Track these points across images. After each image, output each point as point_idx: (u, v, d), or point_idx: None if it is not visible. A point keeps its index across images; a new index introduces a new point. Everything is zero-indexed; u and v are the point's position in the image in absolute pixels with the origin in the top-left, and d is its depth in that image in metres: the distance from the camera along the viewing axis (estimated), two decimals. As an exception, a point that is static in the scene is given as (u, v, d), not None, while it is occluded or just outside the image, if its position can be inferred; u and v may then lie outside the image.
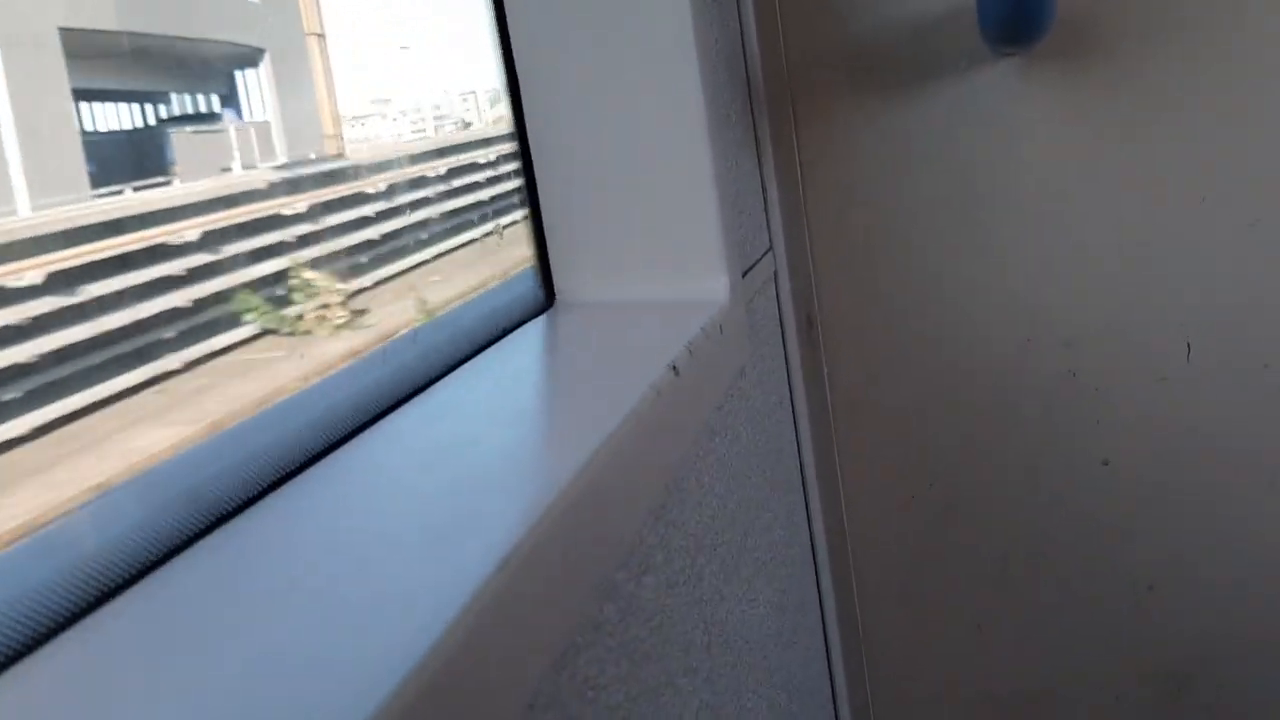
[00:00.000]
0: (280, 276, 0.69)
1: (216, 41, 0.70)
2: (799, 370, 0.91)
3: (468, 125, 0.98)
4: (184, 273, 0.62)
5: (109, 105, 0.62)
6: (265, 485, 0.44)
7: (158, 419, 0.57)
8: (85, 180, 0.56)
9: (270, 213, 0.69)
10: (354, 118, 0.82)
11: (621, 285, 0.72)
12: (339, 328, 0.72)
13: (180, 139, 0.67)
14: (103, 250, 0.56)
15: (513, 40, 0.71)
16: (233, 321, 0.65)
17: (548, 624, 0.37)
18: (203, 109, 0.71)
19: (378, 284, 0.81)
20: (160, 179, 0.64)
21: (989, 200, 0.86)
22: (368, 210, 0.81)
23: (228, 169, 0.69)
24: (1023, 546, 0.93)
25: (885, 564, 0.98)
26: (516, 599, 0.34)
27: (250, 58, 0.73)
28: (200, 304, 0.63)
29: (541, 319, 0.71)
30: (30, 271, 0.52)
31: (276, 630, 0.31)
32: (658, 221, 0.70)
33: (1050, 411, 0.89)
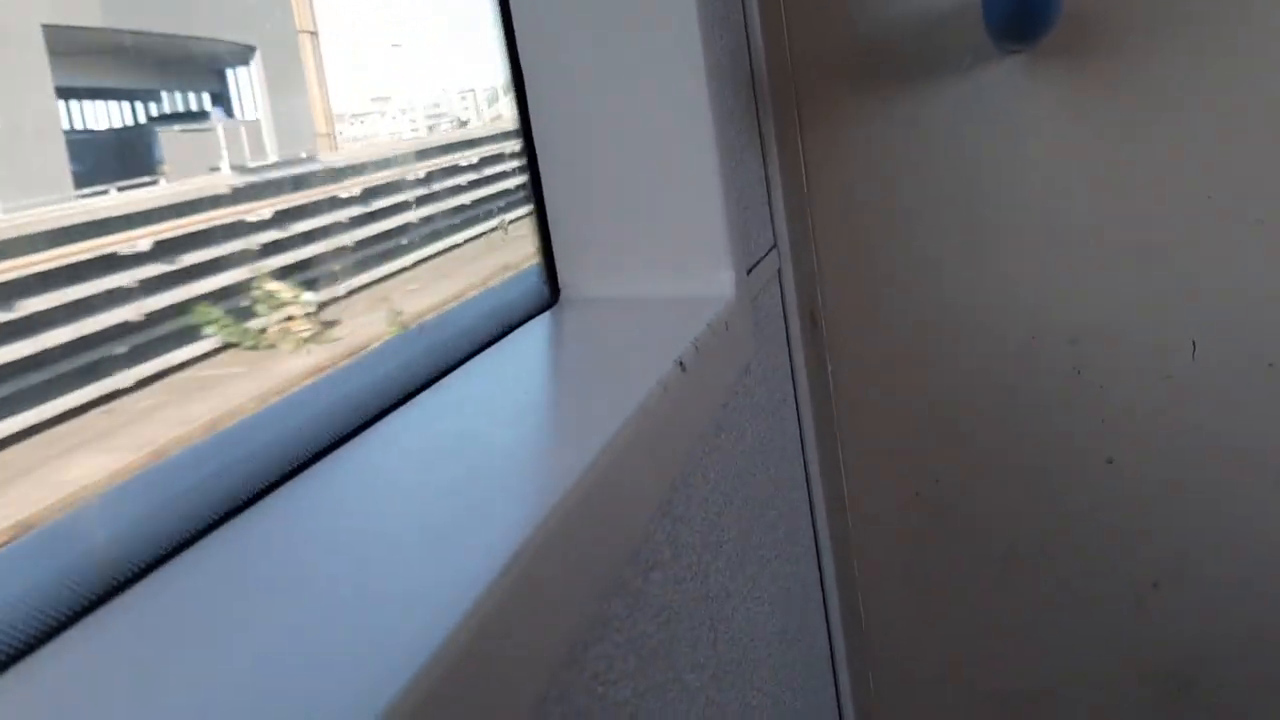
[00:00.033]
0: (241, 288, 0.66)
1: (206, 39, 0.70)
2: (803, 367, 0.91)
3: (464, 124, 0.97)
4: (135, 284, 0.59)
5: (98, 103, 0.62)
6: (269, 482, 0.44)
7: (97, 445, 0.53)
8: (69, 180, 0.56)
9: (235, 219, 0.67)
10: (354, 115, 0.82)
11: (626, 282, 0.72)
12: (305, 341, 0.70)
13: (168, 138, 0.67)
14: (54, 260, 0.54)
15: (518, 36, 0.71)
16: (194, 335, 0.62)
17: (558, 620, 0.36)
18: (194, 107, 0.70)
19: (351, 293, 0.78)
20: (148, 179, 0.63)
21: (994, 198, 0.86)
22: (341, 216, 0.79)
23: (216, 168, 0.68)
24: (1026, 544, 0.93)
25: (888, 561, 0.98)
26: (528, 593, 0.33)
27: (241, 55, 0.72)
28: (154, 317, 0.60)
29: (546, 316, 0.71)
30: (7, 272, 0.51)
31: (288, 626, 0.31)
32: (662, 218, 0.70)
33: (1054, 409, 0.89)
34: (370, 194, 0.84)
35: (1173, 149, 0.81)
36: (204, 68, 0.70)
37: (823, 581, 0.96)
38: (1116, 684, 0.93)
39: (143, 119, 0.66)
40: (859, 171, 0.89)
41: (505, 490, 0.40)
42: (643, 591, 0.48)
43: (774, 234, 0.88)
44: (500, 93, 0.76)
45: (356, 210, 0.81)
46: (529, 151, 0.73)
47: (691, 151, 0.68)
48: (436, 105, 0.94)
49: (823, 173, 0.90)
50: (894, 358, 0.93)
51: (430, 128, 0.94)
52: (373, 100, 0.85)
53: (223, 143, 0.70)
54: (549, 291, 0.74)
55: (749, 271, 0.75)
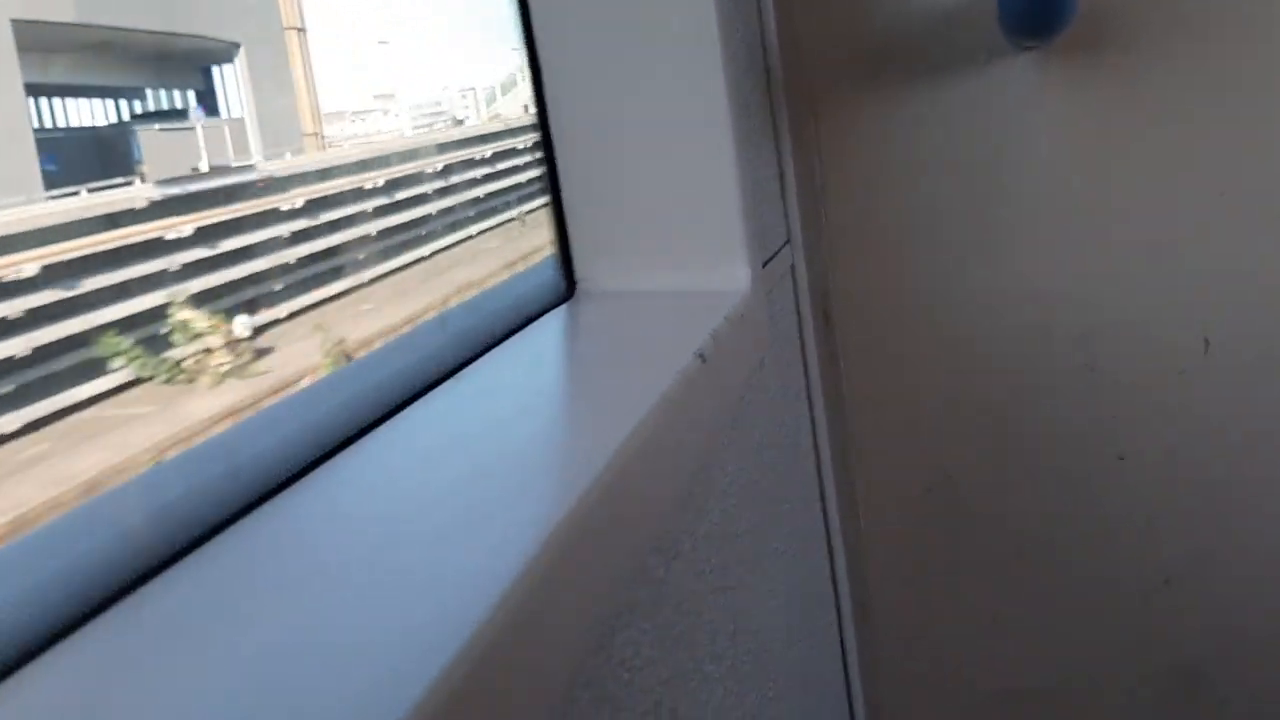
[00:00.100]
0: (157, 314, 0.63)
1: (189, 35, 0.70)
2: (816, 363, 0.91)
3: (460, 122, 0.97)
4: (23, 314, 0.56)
5: (80, 101, 0.61)
6: (291, 474, 0.44)
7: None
8: (38, 181, 0.55)
9: (155, 235, 0.64)
10: (355, 113, 0.82)
11: (642, 275, 0.72)
12: (225, 375, 0.67)
13: (148, 137, 0.66)
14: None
15: (536, 30, 0.71)
16: (101, 368, 0.60)
17: (586, 606, 0.37)
18: (178, 105, 0.70)
19: (293, 315, 0.74)
20: (124, 179, 0.62)
21: (1007, 193, 0.86)
22: (283, 230, 0.77)
23: (197, 168, 0.68)
24: (1037, 539, 0.93)
25: (900, 556, 0.98)
26: (558, 581, 0.34)
27: (225, 52, 0.72)
28: (43, 351, 0.57)
29: (563, 308, 0.71)
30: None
31: (321, 611, 0.31)
32: (679, 212, 0.70)
33: (1066, 405, 0.89)
34: (330, 202, 0.82)
35: (1186, 145, 0.81)
36: (188, 65, 0.70)
37: (834, 576, 0.96)
38: (1128, 681, 0.93)
39: (126, 117, 0.66)
40: (873, 166, 0.89)
41: (534, 479, 0.40)
42: (665, 581, 0.48)
43: (788, 229, 0.88)
44: (499, 92, 0.76)
45: (304, 222, 0.79)
46: (546, 144, 0.73)
47: (708, 145, 0.69)
48: (438, 104, 0.95)
49: (837, 168, 0.90)
50: (906, 353, 0.93)
51: (430, 126, 0.94)
52: (375, 98, 0.85)
53: (202, 142, 0.69)
54: (565, 284, 0.74)
55: (764, 265, 0.76)
